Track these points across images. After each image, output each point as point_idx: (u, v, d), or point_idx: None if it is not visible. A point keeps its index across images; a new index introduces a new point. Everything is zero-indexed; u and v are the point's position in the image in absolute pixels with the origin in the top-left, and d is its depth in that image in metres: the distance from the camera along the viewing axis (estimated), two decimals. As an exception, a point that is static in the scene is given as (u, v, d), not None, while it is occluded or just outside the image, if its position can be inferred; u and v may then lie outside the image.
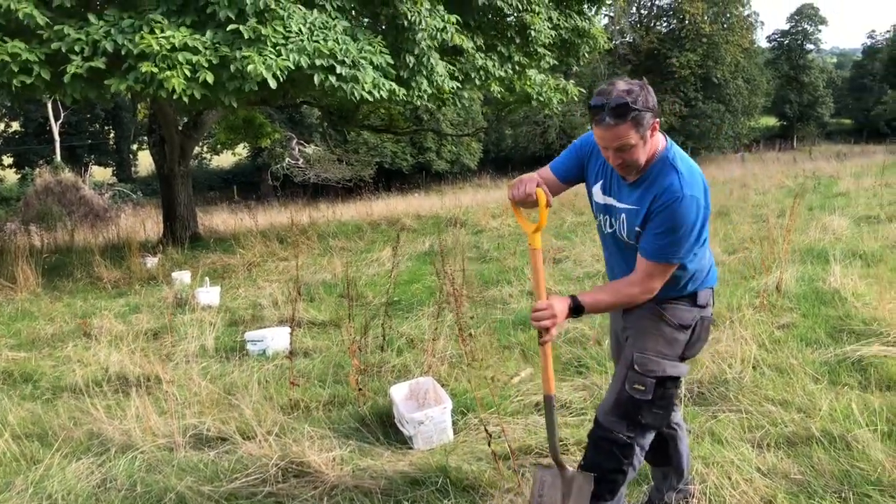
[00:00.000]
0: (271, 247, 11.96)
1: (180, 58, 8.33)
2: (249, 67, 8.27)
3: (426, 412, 4.04)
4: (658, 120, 2.59)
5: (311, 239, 12.48)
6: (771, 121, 61.37)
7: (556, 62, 14.10)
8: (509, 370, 5.05)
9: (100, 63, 8.47)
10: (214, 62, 8.56)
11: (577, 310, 2.71)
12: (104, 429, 4.31)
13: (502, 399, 4.41)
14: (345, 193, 29.97)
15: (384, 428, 4.23)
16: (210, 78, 8.49)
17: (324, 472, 3.61)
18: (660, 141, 2.69)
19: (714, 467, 3.41)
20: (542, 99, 13.61)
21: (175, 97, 8.39)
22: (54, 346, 6.56)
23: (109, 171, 44.96)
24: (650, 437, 2.85)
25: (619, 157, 2.61)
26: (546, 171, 2.97)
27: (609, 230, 2.88)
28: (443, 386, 4.60)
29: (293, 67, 8.69)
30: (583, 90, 15.08)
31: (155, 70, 8.25)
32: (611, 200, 2.82)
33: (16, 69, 8.45)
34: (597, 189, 2.88)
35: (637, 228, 2.71)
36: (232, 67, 8.51)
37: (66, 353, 6.31)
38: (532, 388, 4.60)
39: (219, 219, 18.86)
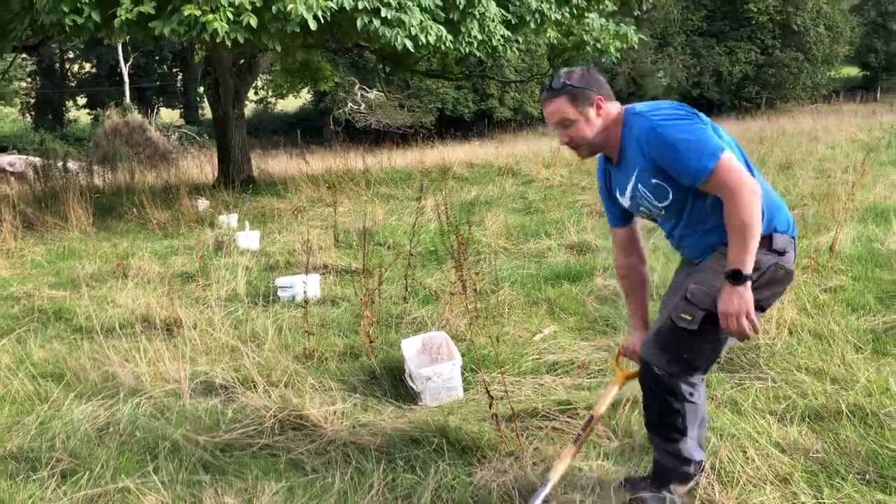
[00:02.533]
0: (320, 192, 11.92)
1: (223, 0, 8.21)
2: (290, 7, 8.10)
3: (434, 368, 3.92)
4: (602, 96, 2.65)
5: (359, 185, 12.39)
6: (853, 71, 58.27)
7: (616, 6, 13.48)
8: (532, 327, 4.87)
9: (149, 8, 8.41)
10: (258, 4, 8.41)
11: (742, 277, 2.46)
12: (118, 372, 4.31)
13: (519, 357, 4.25)
14: (404, 140, 29.81)
15: (394, 382, 4.12)
16: (254, 21, 8.35)
17: (322, 426, 3.53)
18: (614, 111, 2.70)
19: (728, 440, 3.20)
20: (598, 46, 13.05)
21: (218, 40, 8.30)
22: (91, 287, 6.64)
23: (177, 113, 45.75)
24: (699, 378, 2.70)
25: (566, 135, 2.68)
26: (614, 234, 3.02)
27: (658, 214, 2.76)
28: (460, 342, 4.46)
29: (336, 8, 8.49)
30: (644, 38, 14.43)
31: (198, 13, 8.16)
32: (627, 194, 2.78)
33: (66, 9, 8.48)
34: (619, 198, 2.86)
35: (654, 181, 2.62)
36: (273, 8, 8.35)
37: (101, 293, 6.38)
38: (552, 347, 4.43)
39: (276, 163, 18.94)
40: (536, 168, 13.57)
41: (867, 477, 2.95)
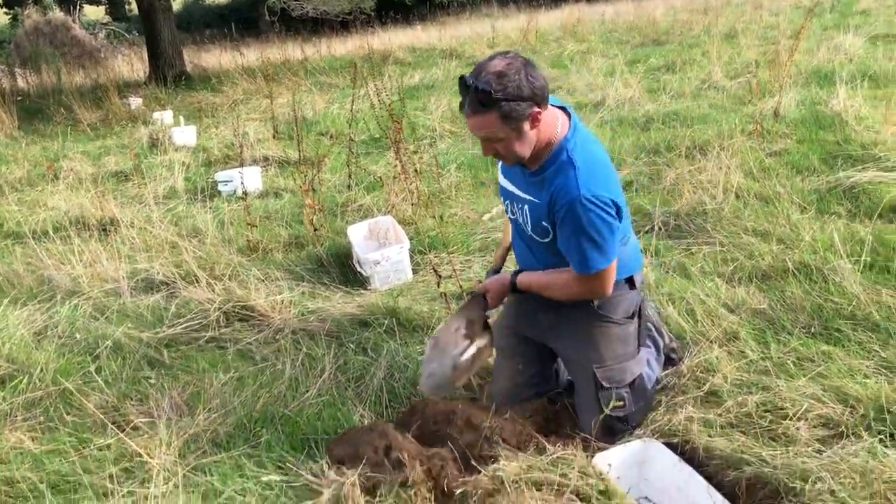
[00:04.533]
0: (257, 84, 11.45)
1: None
2: None
3: (382, 252, 3.84)
4: (540, 110, 2.21)
5: (298, 75, 11.93)
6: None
7: None
8: (480, 208, 4.79)
9: None
10: None
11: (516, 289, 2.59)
12: (54, 275, 4.14)
13: (467, 237, 4.18)
14: (344, 28, 28.72)
15: (342, 269, 4.04)
16: None
17: (269, 316, 3.45)
18: (558, 126, 2.32)
19: (678, 304, 3.21)
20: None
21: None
22: (20, 191, 6.34)
23: (102, 9, 43.25)
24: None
25: (491, 149, 2.28)
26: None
27: (512, 216, 2.60)
28: (407, 225, 4.37)
29: None
30: None
31: None
32: (511, 186, 2.53)
33: None
34: (501, 176, 2.61)
35: (545, 224, 2.40)
36: None
37: (31, 197, 6.10)
38: (500, 226, 4.37)
39: (210, 57, 18.11)
40: (480, 49, 13.20)
41: (812, 330, 2.99)
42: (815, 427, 2.42)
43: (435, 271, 3.27)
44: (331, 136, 7.57)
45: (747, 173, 4.69)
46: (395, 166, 4.76)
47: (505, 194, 2.58)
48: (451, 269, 3.53)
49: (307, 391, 2.93)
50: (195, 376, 3.09)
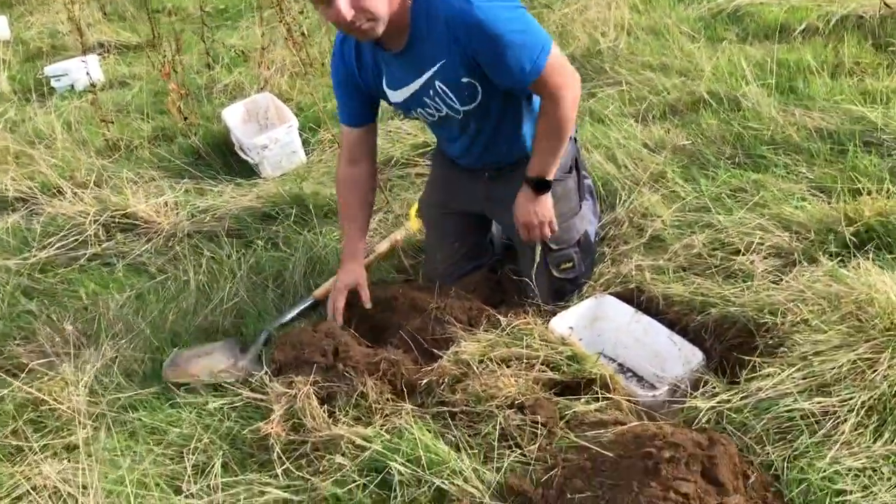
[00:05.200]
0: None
1: None
2: None
3: (269, 134, 3.45)
4: None
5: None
6: None
7: None
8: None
9: None
10: None
11: (547, 185, 2.23)
12: None
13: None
14: None
15: (224, 159, 3.64)
16: None
17: (155, 221, 3.05)
18: None
19: (598, 151, 3.06)
20: None
21: None
22: None
23: None
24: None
25: (361, 15, 1.85)
26: (347, 134, 2.38)
27: (449, 120, 2.22)
28: (286, 101, 3.95)
29: None
30: None
31: None
32: (407, 90, 2.16)
33: None
34: (388, 91, 2.23)
35: (465, 79, 2.06)
36: None
37: None
38: (389, 89, 4.03)
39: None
40: None
41: (737, 160, 2.93)
42: (767, 258, 2.37)
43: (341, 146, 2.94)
44: (169, 13, 6.78)
45: (632, 8, 4.52)
46: (263, 35, 4.26)
47: (409, 104, 2.22)
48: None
49: (220, 299, 2.62)
50: (85, 301, 2.70)
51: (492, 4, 1.93)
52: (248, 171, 3.52)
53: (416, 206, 2.90)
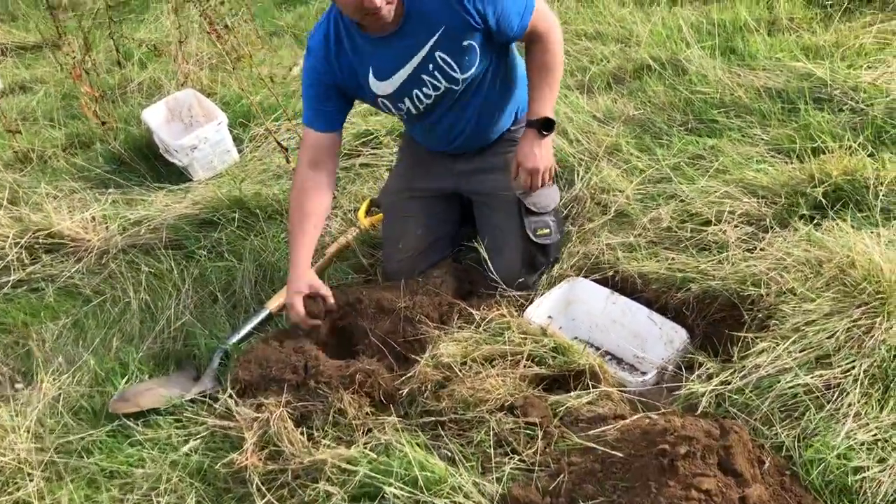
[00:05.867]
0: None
1: None
2: None
3: (197, 133, 3.22)
4: None
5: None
6: None
7: None
8: (284, 61, 4.19)
9: None
10: None
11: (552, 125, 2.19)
12: None
13: (287, 98, 3.63)
14: None
15: (149, 164, 3.39)
16: None
17: (84, 239, 2.81)
18: None
19: (549, 126, 2.95)
20: None
21: None
22: None
23: None
24: None
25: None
26: (313, 138, 2.22)
27: (429, 101, 2.19)
28: (208, 97, 3.71)
29: None
30: None
31: None
32: (398, 76, 2.12)
33: None
34: (374, 84, 2.15)
35: (465, 42, 2.07)
36: None
37: None
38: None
39: None
40: None
41: (690, 126, 2.88)
42: (738, 226, 2.31)
43: (279, 144, 2.76)
44: (64, 9, 6.34)
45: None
46: (179, 27, 3.99)
47: (399, 94, 2.16)
48: (298, 138, 3.02)
49: (167, 319, 2.42)
50: (15, 334, 2.47)
51: None
52: (177, 175, 3.29)
53: (366, 203, 2.75)
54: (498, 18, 2.04)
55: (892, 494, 1.53)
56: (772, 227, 2.27)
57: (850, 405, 1.67)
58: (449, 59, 2.09)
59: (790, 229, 2.23)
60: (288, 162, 2.80)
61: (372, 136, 3.14)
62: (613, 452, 1.61)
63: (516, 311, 2.21)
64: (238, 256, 2.61)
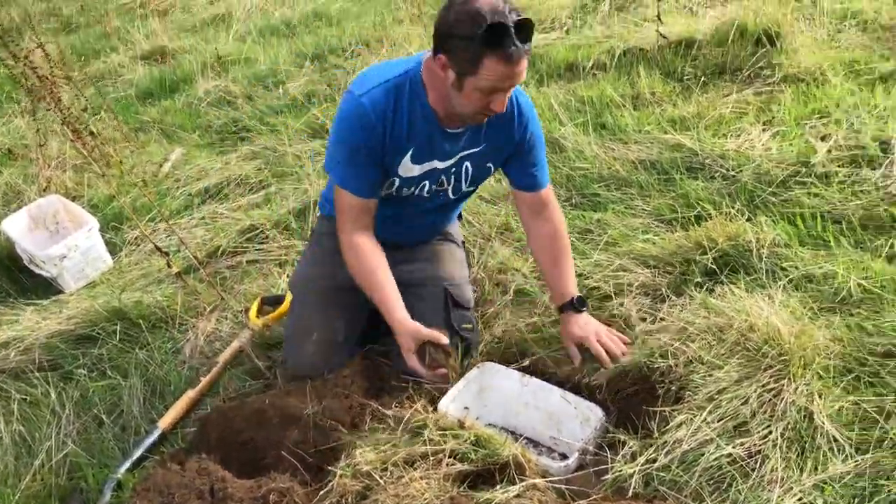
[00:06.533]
0: None
1: None
2: None
3: (66, 242, 3.01)
4: None
5: None
6: None
7: None
8: (154, 157, 4.03)
9: None
10: None
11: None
12: None
13: (161, 196, 3.47)
14: None
15: (11, 276, 3.14)
16: None
17: (-57, 369, 2.53)
18: None
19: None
20: None
21: None
22: None
23: None
24: None
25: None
26: (359, 206, 2.09)
27: (427, 194, 2.19)
28: (74, 201, 3.50)
29: None
30: None
31: None
32: (429, 164, 2.11)
33: None
34: (406, 164, 2.09)
35: (489, 164, 2.20)
36: None
37: None
38: (192, 172, 3.70)
39: None
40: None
41: (574, 201, 2.95)
42: (636, 297, 2.36)
43: (158, 249, 2.61)
44: None
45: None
46: (38, 130, 3.77)
47: (419, 179, 2.13)
48: (178, 239, 2.87)
49: (47, 451, 2.19)
50: None
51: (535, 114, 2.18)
52: (45, 288, 3.06)
53: (257, 302, 2.63)
54: (525, 157, 2.18)
55: (826, 558, 1.54)
56: (668, 297, 2.33)
57: (772, 470, 1.70)
58: (471, 172, 2.17)
59: (685, 297, 2.30)
60: (169, 267, 2.64)
61: (258, 231, 3.04)
62: (556, 549, 1.56)
63: (430, 404, 2.14)
64: (123, 373, 2.42)
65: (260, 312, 2.61)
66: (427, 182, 2.15)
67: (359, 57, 4.78)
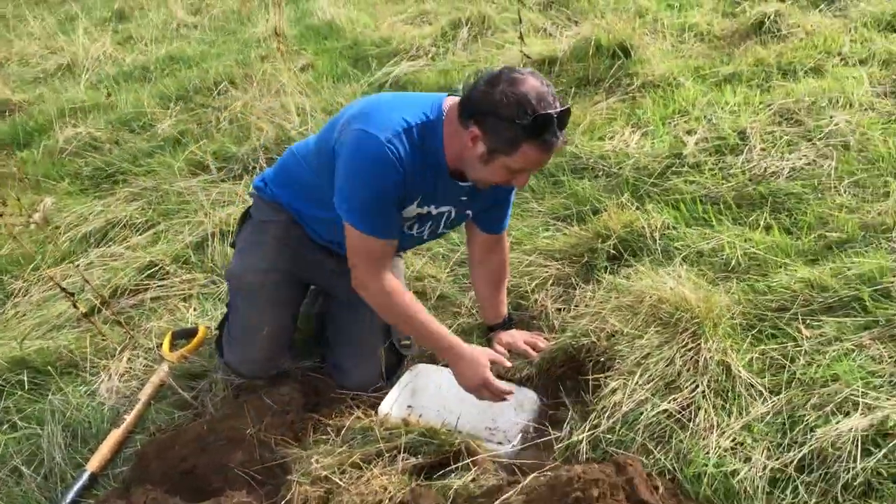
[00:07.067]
0: None
1: None
2: None
3: (-55, 298, 2.82)
4: None
5: None
6: None
7: None
8: (20, 209, 3.82)
9: None
10: None
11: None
12: None
13: (40, 245, 3.30)
14: None
15: None
16: None
17: None
18: None
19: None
20: None
21: None
22: None
23: None
24: None
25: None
26: (384, 250, 2.02)
27: (413, 236, 2.22)
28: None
29: None
30: None
31: None
32: (427, 208, 2.11)
33: None
34: (414, 206, 2.07)
35: (468, 212, 2.21)
36: None
37: None
38: (70, 219, 3.54)
39: None
40: None
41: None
42: (551, 287, 2.51)
43: (64, 290, 2.50)
44: None
45: (301, 92, 4.55)
46: None
47: (420, 219, 2.14)
48: (82, 279, 2.75)
49: (-40, 512, 2.05)
50: None
51: None
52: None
53: (168, 335, 2.57)
54: (497, 208, 2.24)
55: (767, 487, 1.71)
56: (578, 284, 2.49)
57: (706, 419, 1.86)
58: (451, 220, 2.19)
59: (593, 283, 2.47)
60: (76, 307, 2.53)
61: (157, 268, 2.96)
62: (529, 514, 1.64)
63: (368, 411, 2.18)
64: (37, 422, 2.29)
65: (172, 347, 2.56)
66: (428, 222, 2.17)
67: (227, 93, 4.74)
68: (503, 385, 2.07)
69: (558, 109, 1.78)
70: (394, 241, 2.03)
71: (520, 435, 2.09)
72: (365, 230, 1.96)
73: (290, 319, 2.31)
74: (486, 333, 2.40)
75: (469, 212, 2.20)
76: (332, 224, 2.11)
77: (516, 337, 2.33)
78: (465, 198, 2.11)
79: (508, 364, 2.14)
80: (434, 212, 2.12)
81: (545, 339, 2.34)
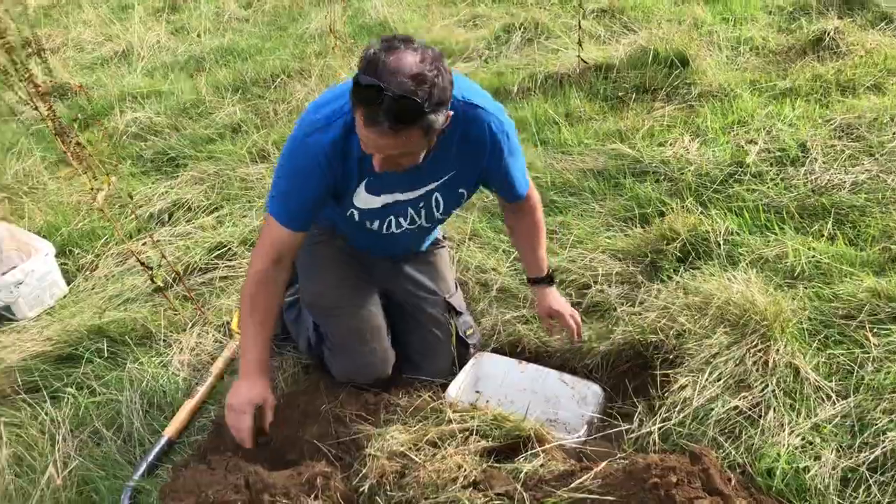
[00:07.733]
0: None
1: None
2: None
3: (23, 267, 2.92)
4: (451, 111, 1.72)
5: None
6: None
7: None
8: (86, 186, 3.92)
9: None
10: None
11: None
12: None
13: (109, 222, 3.40)
14: None
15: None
16: None
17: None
18: None
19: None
20: None
21: None
22: None
23: None
24: None
25: (390, 164, 1.75)
26: (288, 238, 1.98)
27: (399, 230, 2.14)
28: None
29: None
30: None
31: None
32: (392, 196, 2.04)
33: None
34: (360, 196, 2.02)
35: (461, 190, 2.10)
36: None
37: None
38: (137, 199, 3.63)
39: None
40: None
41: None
42: (615, 285, 2.56)
43: (143, 264, 2.58)
44: None
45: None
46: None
47: (382, 212, 2.07)
48: (160, 256, 2.84)
49: (44, 472, 2.12)
50: None
51: (508, 123, 2.00)
52: (-3, 317, 2.94)
53: (237, 313, 2.65)
54: (498, 176, 2.08)
55: (838, 485, 1.75)
56: (643, 283, 2.54)
57: (776, 417, 1.90)
58: (441, 202, 2.09)
59: (658, 282, 2.51)
60: (153, 281, 2.61)
61: (226, 249, 3.04)
62: (606, 498, 1.69)
63: (435, 395, 2.24)
64: (116, 388, 2.37)
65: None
66: (393, 217, 2.09)
67: (284, 87, 4.84)
68: (246, 433, 2.00)
69: (367, 82, 1.55)
70: (295, 234, 1.97)
71: (585, 426, 2.14)
72: (272, 211, 1.96)
73: (380, 317, 2.32)
74: (529, 285, 2.42)
75: (462, 190, 2.10)
76: (355, 232, 2.18)
77: (563, 307, 2.33)
78: (437, 177, 2.01)
79: (267, 425, 2.06)
80: (404, 198, 2.04)
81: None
